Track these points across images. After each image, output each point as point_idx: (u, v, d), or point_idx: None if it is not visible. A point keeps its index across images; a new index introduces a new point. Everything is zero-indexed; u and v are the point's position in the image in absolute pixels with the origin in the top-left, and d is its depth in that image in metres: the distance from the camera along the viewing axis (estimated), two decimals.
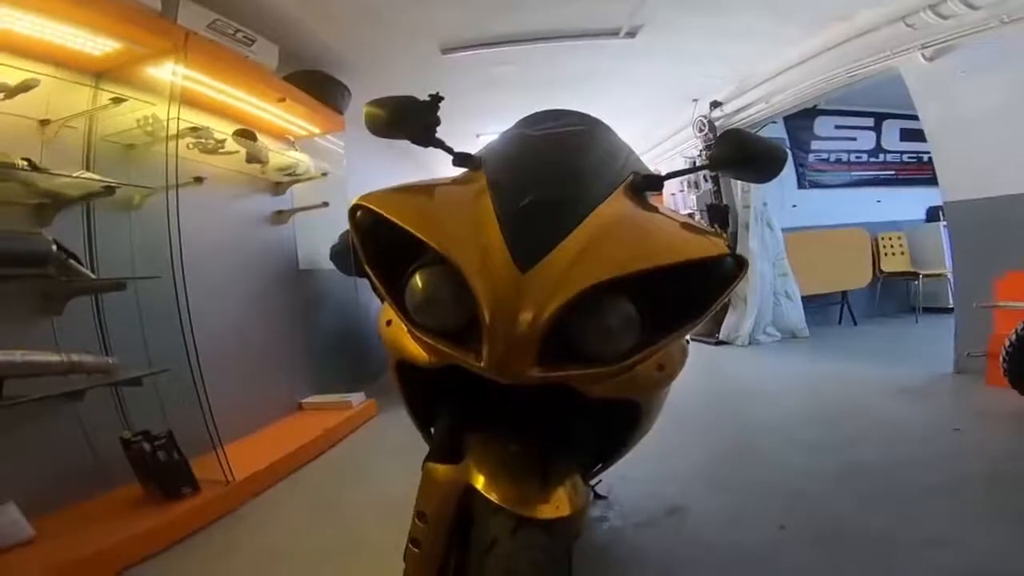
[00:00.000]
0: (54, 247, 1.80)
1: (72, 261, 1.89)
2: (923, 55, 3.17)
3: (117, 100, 2.08)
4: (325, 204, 3.46)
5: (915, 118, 3.60)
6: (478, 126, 5.14)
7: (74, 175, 1.91)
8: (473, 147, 1.10)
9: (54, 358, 1.78)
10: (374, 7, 3.07)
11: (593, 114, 1.18)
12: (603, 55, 3.93)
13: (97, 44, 2.04)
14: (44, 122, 1.96)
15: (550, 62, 4.02)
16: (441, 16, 3.30)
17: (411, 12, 3.17)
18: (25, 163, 1.73)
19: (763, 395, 3.37)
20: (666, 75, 4.52)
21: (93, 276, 1.99)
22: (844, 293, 5.43)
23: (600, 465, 1.31)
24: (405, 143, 1.11)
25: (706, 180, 5.44)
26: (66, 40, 1.97)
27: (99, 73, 2.16)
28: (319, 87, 3.38)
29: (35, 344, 1.77)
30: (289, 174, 3.34)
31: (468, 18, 3.35)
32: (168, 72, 2.18)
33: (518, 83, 4.35)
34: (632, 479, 1.97)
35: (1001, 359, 2.39)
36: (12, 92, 1.79)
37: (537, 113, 1.19)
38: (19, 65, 1.85)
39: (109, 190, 2.00)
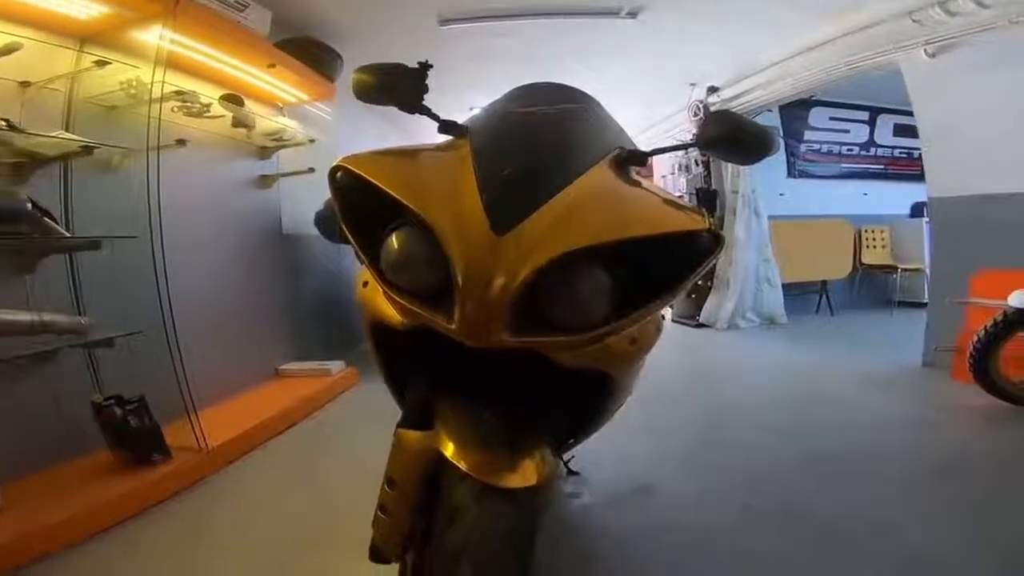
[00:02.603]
0: (29, 205, 1.77)
1: (47, 219, 1.85)
2: (925, 51, 3.17)
3: (100, 63, 2.03)
4: (311, 170, 3.40)
5: (911, 114, 3.61)
6: (472, 98, 5.04)
7: (51, 135, 1.87)
8: (466, 118, 1.08)
9: (25, 318, 1.75)
10: None
11: (588, 92, 1.17)
12: (602, 33, 3.88)
13: (83, 8, 1.98)
14: (24, 84, 1.91)
15: (547, 38, 3.95)
16: None
17: None
18: (3, 123, 1.69)
19: (737, 378, 3.46)
20: (665, 58, 4.47)
21: (68, 234, 1.96)
22: (824, 283, 5.51)
23: (572, 439, 1.32)
24: (396, 113, 1.10)
25: (697, 164, 5.43)
26: (53, 4, 1.92)
27: (84, 37, 2.10)
28: (311, 54, 3.30)
29: (6, 303, 1.74)
30: (276, 139, 3.30)
31: None
32: (155, 36, 2.12)
33: (514, 57, 4.27)
34: (604, 457, 2.01)
35: (968, 354, 2.45)
36: None
37: (527, 85, 1.18)
38: (1, 29, 1.79)
39: (87, 150, 1.96)
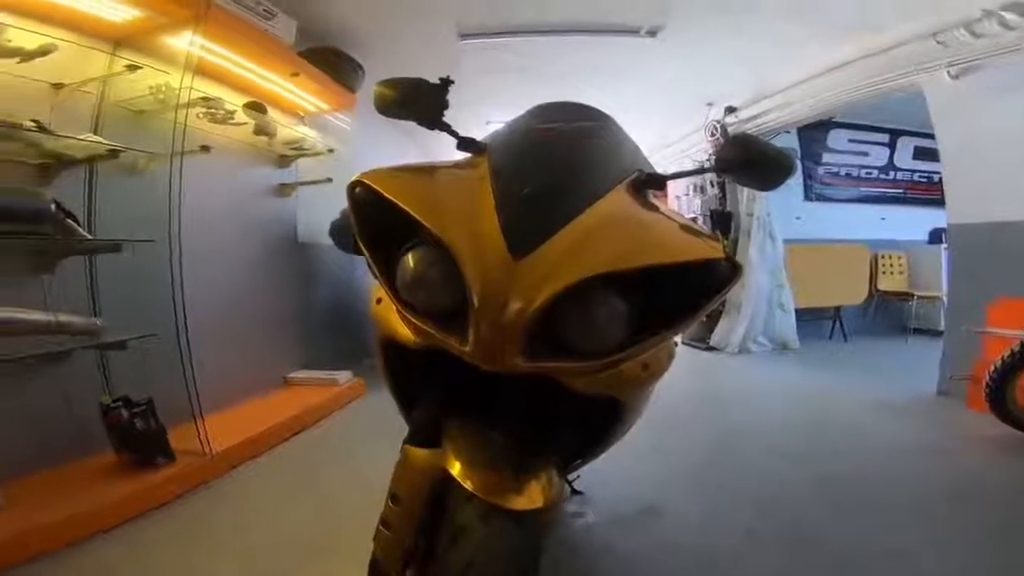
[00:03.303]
0: (53, 206, 1.81)
1: (69, 220, 1.89)
2: (949, 73, 3.14)
3: (132, 67, 2.08)
4: (329, 180, 3.45)
5: (931, 136, 3.57)
6: (489, 113, 5.11)
7: (79, 137, 1.91)
8: (482, 133, 1.10)
9: (41, 318, 1.78)
10: None
11: (604, 110, 1.17)
12: (621, 52, 3.90)
13: (119, 11, 2.04)
14: (57, 86, 1.96)
15: (566, 55, 3.99)
16: (461, 1, 3.27)
17: None
18: (33, 124, 1.74)
19: (747, 402, 3.41)
20: (683, 77, 4.48)
21: (89, 236, 1.99)
22: (837, 308, 5.43)
23: (579, 460, 1.31)
24: (413, 126, 1.11)
25: (712, 185, 5.41)
26: (90, 7, 1.97)
27: (118, 40, 2.16)
28: (334, 64, 3.36)
29: (24, 302, 1.76)
30: (296, 148, 3.35)
31: (489, 5, 3.32)
32: (185, 42, 2.17)
33: (532, 73, 4.31)
34: (611, 477, 1.99)
35: (984, 383, 2.42)
36: (28, 56, 1.80)
37: (547, 104, 1.19)
38: (39, 30, 1.85)
39: (112, 153, 2.01)
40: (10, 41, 1.75)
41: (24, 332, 1.74)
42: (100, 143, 1.97)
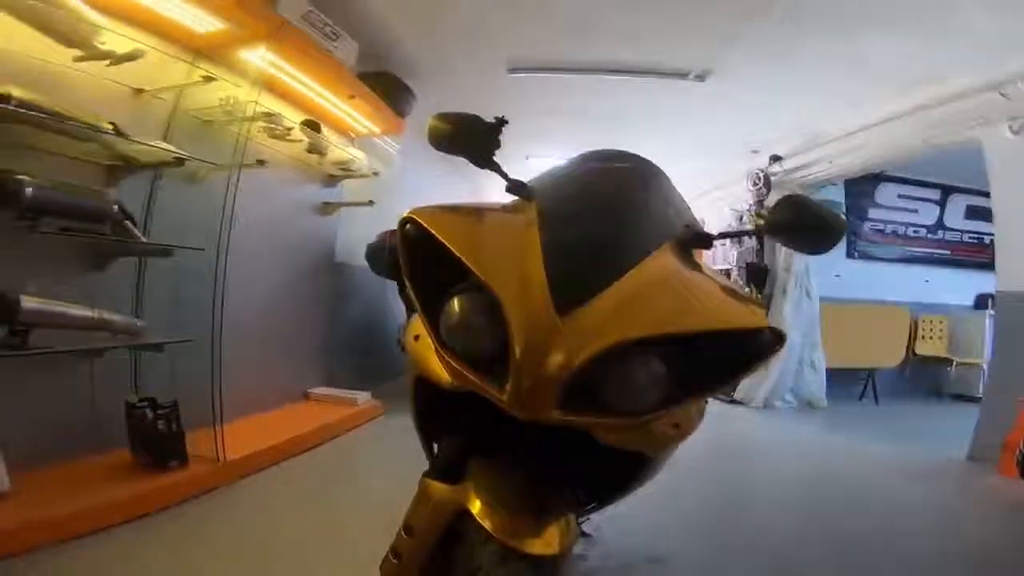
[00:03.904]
0: (115, 207, 1.91)
1: (128, 223, 1.98)
2: (1010, 128, 3.04)
3: (208, 79, 2.20)
4: (371, 203, 3.56)
5: (986, 195, 3.44)
6: (529, 148, 5.19)
7: (151, 143, 2.02)
8: (521, 168, 1.11)
9: (87, 313, 1.84)
10: (452, 17, 3.15)
11: (645, 153, 1.18)
12: (666, 94, 3.93)
13: (204, 22, 2.16)
14: (138, 91, 2.08)
15: (611, 93, 4.03)
16: (514, 36, 3.36)
17: (486, 26, 3.23)
18: (110, 127, 1.85)
19: (766, 458, 3.32)
20: (729, 123, 4.48)
21: (144, 240, 2.08)
22: (871, 370, 5.23)
23: (594, 504, 1.29)
24: (459, 159, 1.13)
25: (750, 237, 5.32)
26: (181, 16, 2.10)
27: (197, 50, 2.29)
28: (388, 89, 3.49)
29: (72, 297, 1.82)
30: (344, 169, 3.46)
31: (540, 39, 3.39)
32: (257, 57, 2.29)
33: (576, 110, 4.38)
34: (619, 521, 1.94)
35: (1018, 451, 2.42)
36: (118, 60, 1.92)
37: (597, 151, 1.19)
38: (129, 34, 1.97)
39: (178, 161, 2.11)
40: (104, 44, 1.86)
41: (70, 326, 1.80)
42: (169, 150, 2.07)
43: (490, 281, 0.84)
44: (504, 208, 1.06)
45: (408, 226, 0.96)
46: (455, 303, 0.87)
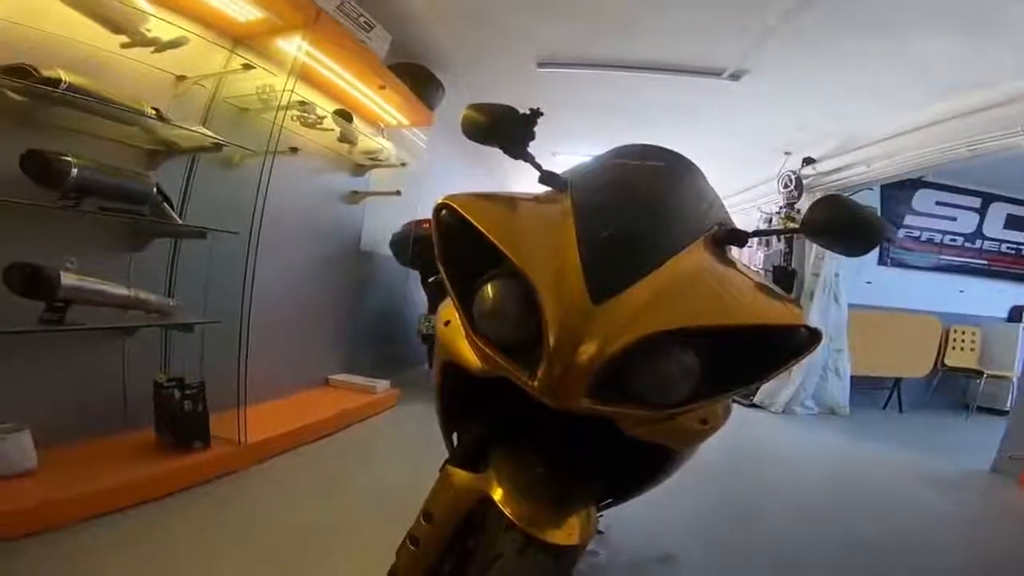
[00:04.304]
0: (154, 189, 1.96)
1: (166, 205, 2.03)
2: None
3: (247, 67, 2.25)
4: (398, 192, 3.59)
5: None
6: (557, 144, 5.16)
7: (192, 128, 2.07)
8: (548, 164, 1.10)
9: (122, 292, 1.88)
10: (484, 11, 3.16)
11: (676, 151, 1.16)
12: (699, 93, 3.87)
13: (245, 11, 2.21)
14: (180, 77, 2.14)
15: (643, 91, 3.99)
16: (544, 30, 3.34)
17: (517, 20, 3.22)
18: (153, 112, 1.90)
19: (784, 462, 3.28)
20: (762, 123, 4.39)
21: (180, 222, 2.13)
22: (897, 380, 5.11)
23: (611, 500, 1.29)
24: (486, 150, 1.13)
25: (778, 240, 5.21)
26: (223, 4, 2.15)
27: (237, 38, 2.34)
28: (418, 81, 3.51)
29: (110, 275, 1.87)
30: (372, 158, 3.50)
31: (570, 35, 3.37)
32: (293, 46, 2.33)
33: (605, 107, 4.35)
34: (631, 519, 1.93)
35: None
36: (162, 47, 1.97)
37: (631, 146, 1.18)
38: (174, 21, 2.02)
39: (217, 147, 2.16)
40: (150, 31, 1.92)
41: (107, 304, 1.84)
42: (208, 136, 2.12)
43: (525, 267, 0.83)
44: (538, 198, 1.05)
45: (443, 212, 0.96)
46: (489, 289, 0.87)
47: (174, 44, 1.98)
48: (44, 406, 1.78)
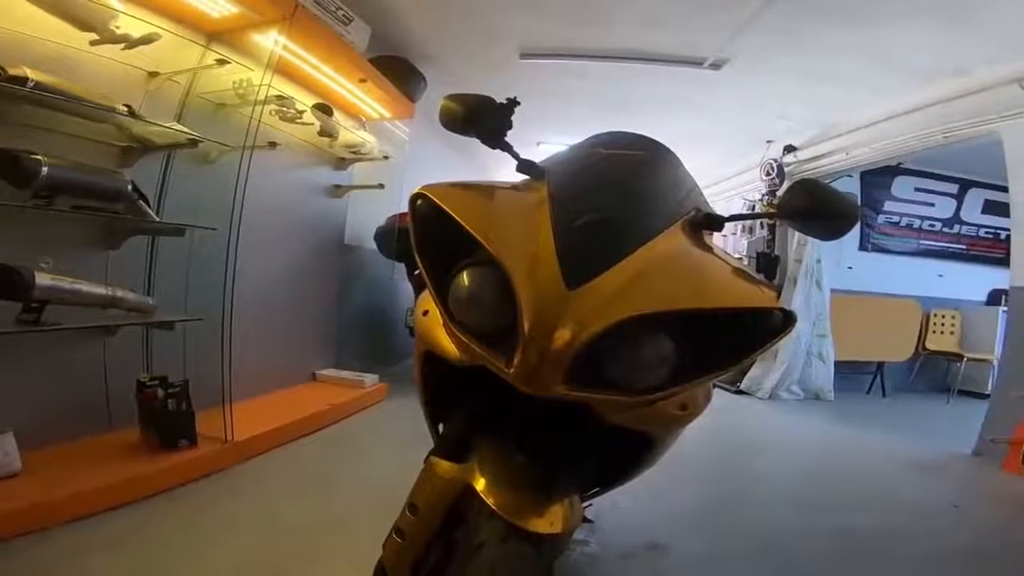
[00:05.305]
0: (129, 187, 1.92)
1: (141, 202, 2.00)
2: None
3: (222, 62, 2.20)
4: (381, 186, 3.57)
5: (1005, 189, 3.40)
6: (540, 134, 5.17)
7: (165, 125, 2.03)
8: (532, 154, 1.10)
9: (99, 290, 1.84)
10: (465, 2, 3.14)
11: (668, 146, 1.16)
12: (680, 82, 3.89)
13: (219, 6, 2.17)
14: (153, 74, 2.10)
15: (625, 81, 4.00)
16: (526, 21, 3.33)
17: (499, 11, 3.21)
18: (125, 108, 1.86)
19: (771, 449, 3.32)
20: (743, 112, 4.43)
21: (157, 219, 2.10)
22: (880, 364, 5.21)
23: (598, 489, 1.30)
24: (468, 141, 1.13)
25: (761, 227, 5.27)
26: (196, 0, 2.11)
27: (211, 34, 2.30)
28: (399, 74, 3.46)
29: (86, 274, 1.83)
30: (354, 152, 3.46)
31: (552, 26, 3.36)
32: (270, 41, 2.29)
33: (588, 97, 4.35)
34: (620, 509, 1.97)
35: None
36: (133, 44, 1.93)
37: (608, 133, 1.18)
38: (145, 18, 1.98)
39: (193, 143, 2.13)
40: (119, 28, 1.88)
41: (84, 303, 1.81)
42: (182, 131, 2.09)
43: (499, 254, 0.83)
44: (515, 186, 1.05)
45: (419, 201, 0.95)
46: (464, 276, 0.87)
47: (145, 40, 1.94)
48: (26, 408, 1.76)
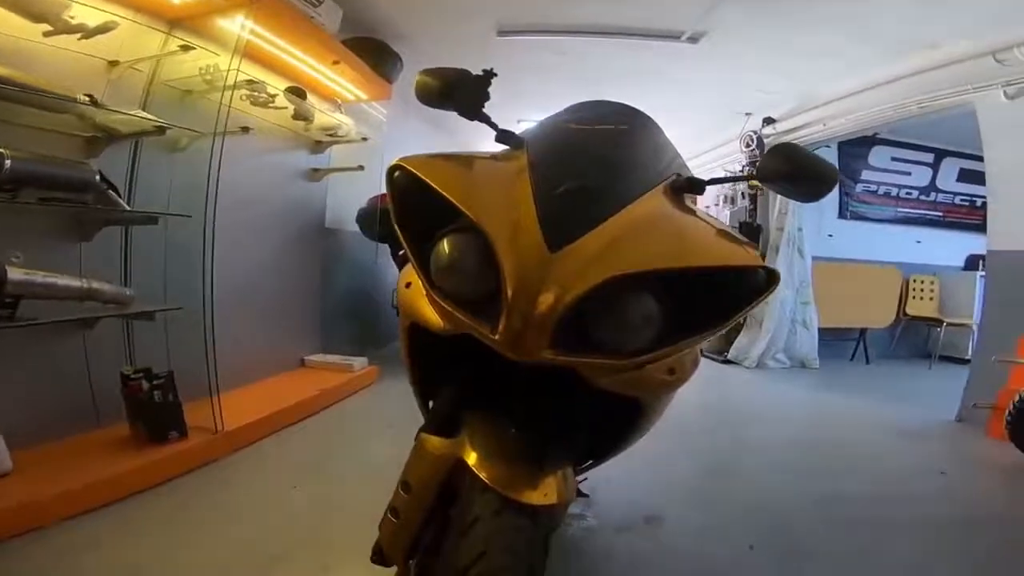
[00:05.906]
0: (97, 177, 1.88)
1: (111, 192, 1.95)
2: (1005, 93, 3.04)
3: (185, 48, 2.14)
4: (360, 167, 3.52)
5: (979, 158, 3.46)
6: (521, 111, 5.08)
7: (129, 112, 1.98)
8: (514, 131, 1.09)
9: (74, 283, 1.81)
10: None
11: (632, 106, 1.16)
12: (659, 56, 3.86)
13: None
14: (113, 63, 2.03)
15: (604, 56, 3.95)
16: None
17: None
18: (87, 98, 1.81)
19: (759, 418, 3.38)
20: (722, 85, 4.42)
21: (128, 208, 2.05)
22: (863, 330, 5.31)
23: (591, 461, 1.31)
24: (444, 118, 1.12)
25: (743, 197, 5.31)
26: None
27: (173, 21, 2.22)
28: (373, 55, 3.40)
29: (60, 267, 1.80)
30: (331, 135, 3.41)
31: (529, 1, 3.31)
32: (236, 24, 2.22)
33: (568, 73, 4.29)
34: (615, 483, 1.99)
35: (1007, 413, 2.41)
36: (90, 33, 1.87)
37: (587, 102, 1.18)
38: (101, 7, 1.92)
39: (159, 130, 2.08)
40: (73, 18, 1.81)
41: (59, 297, 1.78)
42: (148, 119, 2.03)
43: (480, 220, 0.82)
44: (494, 156, 1.04)
45: (396, 174, 0.94)
46: (445, 244, 0.86)
47: (102, 29, 1.88)
48: (11, 407, 1.73)
